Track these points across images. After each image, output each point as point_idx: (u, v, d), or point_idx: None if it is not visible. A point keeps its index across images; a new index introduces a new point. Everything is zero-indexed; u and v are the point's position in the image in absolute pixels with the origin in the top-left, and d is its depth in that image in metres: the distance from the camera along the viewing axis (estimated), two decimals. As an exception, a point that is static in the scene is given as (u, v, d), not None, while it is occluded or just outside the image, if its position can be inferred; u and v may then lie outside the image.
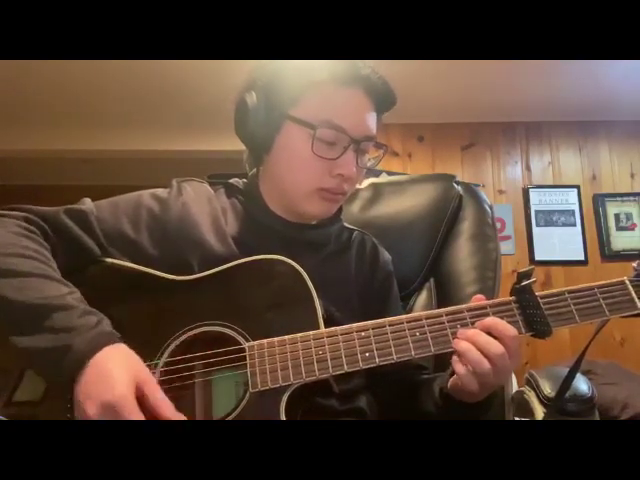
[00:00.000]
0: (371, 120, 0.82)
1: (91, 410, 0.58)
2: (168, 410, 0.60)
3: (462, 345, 0.67)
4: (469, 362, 0.66)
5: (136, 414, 0.58)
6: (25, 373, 0.68)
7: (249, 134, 0.82)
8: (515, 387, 2.20)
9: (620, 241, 3.19)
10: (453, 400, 0.73)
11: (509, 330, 0.67)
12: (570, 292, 0.71)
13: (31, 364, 0.66)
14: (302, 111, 0.79)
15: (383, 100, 0.84)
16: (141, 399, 0.60)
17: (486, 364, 0.65)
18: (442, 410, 0.76)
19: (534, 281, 0.70)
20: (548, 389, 1.90)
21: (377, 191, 1.16)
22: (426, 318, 0.69)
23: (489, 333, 0.67)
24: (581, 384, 1.88)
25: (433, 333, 0.68)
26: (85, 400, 0.59)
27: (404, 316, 0.70)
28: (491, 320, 0.68)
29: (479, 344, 0.66)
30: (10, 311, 0.65)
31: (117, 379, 0.59)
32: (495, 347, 0.65)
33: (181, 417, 0.60)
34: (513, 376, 2.37)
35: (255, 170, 0.91)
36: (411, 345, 0.68)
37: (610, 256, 3.14)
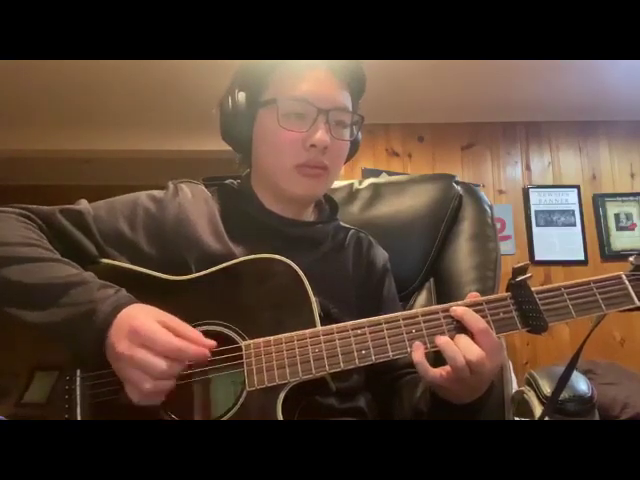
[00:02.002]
0: (337, 92, 0.82)
1: (121, 347, 0.61)
2: (196, 334, 0.64)
3: (441, 340, 0.67)
4: (446, 357, 0.66)
5: (161, 332, 0.61)
6: (34, 376, 0.69)
7: (231, 135, 0.86)
8: (515, 387, 2.20)
9: (620, 241, 3.19)
10: (438, 399, 0.73)
11: (478, 322, 0.66)
12: (566, 287, 0.70)
13: (52, 337, 0.67)
14: (268, 94, 0.82)
15: (349, 75, 0.84)
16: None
17: (462, 359, 0.64)
18: (431, 409, 0.76)
19: (530, 276, 0.70)
20: (548, 389, 1.90)
21: (377, 191, 1.16)
22: (422, 315, 0.69)
23: (463, 327, 0.67)
24: (581, 384, 1.88)
25: (429, 330, 0.68)
26: (115, 343, 0.62)
27: (400, 313, 0.70)
28: (462, 310, 0.68)
29: (459, 344, 0.66)
30: (26, 293, 0.66)
31: (137, 316, 0.63)
32: (474, 350, 0.65)
33: (211, 343, 0.64)
34: (513, 376, 2.38)
35: (248, 170, 0.92)
36: (407, 342, 0.68)
37: (610, 256, 3.15)
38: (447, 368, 0.66)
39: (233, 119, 0.83)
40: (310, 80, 0.81)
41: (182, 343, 0.62)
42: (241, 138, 0.85)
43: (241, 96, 0.83)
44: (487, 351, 0.65)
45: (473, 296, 0.71)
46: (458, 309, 0.68)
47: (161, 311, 0.66)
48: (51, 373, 0.69)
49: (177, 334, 0.63)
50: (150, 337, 0.61)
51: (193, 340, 0.63)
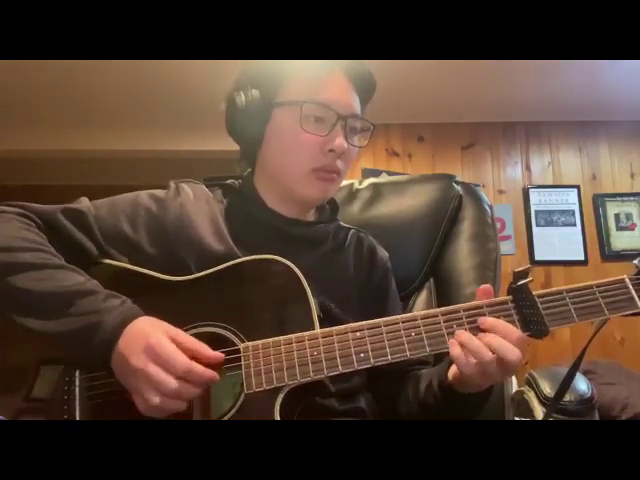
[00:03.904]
0: (353, 99, 0.84)
1: (138, 362, 0.62)
2: (203, 348, 0.64)
3: (464, 336, 0.66)
4: (470, 352, 0.65)
5: (175, 350, 0.62)
6: (40, 371, 0.69)
7: (240, 131, 0.85)
8: (515, 387, 2.20)
9: (620, 241, 3.18)
10: (454, 392, 0.72)
11: (512, 333, 0.66)
12: (568, 291, 0.70)
13: (59, 348, 0.67)
14: (287, 95, 0.82)
15: (363, 83, 0.85)
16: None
17: (487, 353, 0.64)
18: (440, 402, 0.75)
19: (531, 280, 0.69)
20: (548, 389, 1.90)
21: (377, 191, 1.16)
22: (422, 318, 0.69)
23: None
24: (581, 384, 1.88)
25: (429, 333, 0.68)
26: (129, 359, 0.63)
27: (399, 316, 0.70)
28: (492, 321, 0.67)
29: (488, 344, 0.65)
30: (33, 302, 0.66)
31: (150, 332, 0.64)
32: (502, 343, 0.65)
33: (219, 355, 0.65)
34: (513, 376, 2.37)
35: (250, 170, 0.92)
36: (406, 345, 0.68)
37: (610, 256, 3.14)
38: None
39: (244, 115, 0.82)
40: (331, 86, 0.81)
41: (191, 364, 0.62)
42: (251, 135, 0.84)
43: (255, 93, 0.82)
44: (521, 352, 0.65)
45: (484, 289, 0.70)
46: (488, 320, 0.67)
47: (168, 325, 0.66)
48: (55, 368, 0.69)
49: (186, 349, 0.64)
50: (161, 355, 0.62)
51: (201, 353, 0.64)
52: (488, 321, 0.67)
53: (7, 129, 3.14)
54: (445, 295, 1.06)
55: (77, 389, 0.68)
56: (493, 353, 0.64)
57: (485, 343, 0.65)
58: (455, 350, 0.66)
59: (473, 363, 0.65)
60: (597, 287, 0.70)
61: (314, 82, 0.81)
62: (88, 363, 0.67)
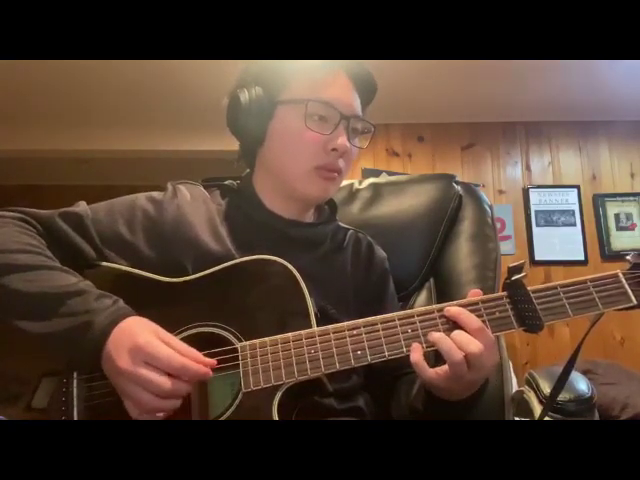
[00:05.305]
0: (355, 100, 0.84)
1: (124, 363, 0.61)
2: (195, 353, 0.64)
3: (435, 335, 0.67)
4: (442, 352, 0.66)
5: (164, 349, 0.62)
6: (41, 382, 0.69)
7: (242, 128, 0.84)
8: (515, 387, 2.20)
9: (620, 241, 3.18)
10: (432, 397, 0.73)
11: (473, 322, 0.66)
12: (562, 286, 0.70)
13: (49, 348, 0.67)
14: (291, 93, 0.82)
15: (364, 84, 0.86)
16: None
17: (459, 354, 0.64)
18: (426, 407, 0.76)
19: (525, 275, 0.70)
20: (548, 389, 1.90)
21: (377, 191, 1.16)
22: (418, 315, 0.69)
23: (458, 326, 0.67)
24: (581, 384, 1.88)
25: (425, 330, 0.68)
26: (116, 359, 0.62)
27: (396, 313, 0.70)
28: (457, 310, 0.68)
29: (457, 339, 0.66)
30: (24, 302, 0.66)
31: (138, 332, 0.63)
32: (474, 343, 0.65)
33: (212, 362, 0.64)
34: (513, 376, 2.37)
35: (249, 171, 0.92)
36: (403, 342, 0.68)
37: (610, 256, 3.14)
38: (444, 367, 0.66)
39: (247, 112, 0.82)
40: (334, 86, 0.82)
41: (185, 360, 0.62)
42: (254, 133, 0.84)
43: (258, 90, 0.82)
44: (485, 348, 0.66)
45: (474, 292, 0.71)
46: (452, 309, 0.68)
47: (159, 327, 0.66)
48: (56, 379, 0.69)
49: (179, 352, 0.63)
50: (153, 355, 0.61)
51: (193, 358, 0.64)
52: (452, 310, 0.68)
53: (7, 129, 3.14)
54: (445, 295, 1.06)
55: (75, 390, 0.67)
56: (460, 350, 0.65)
57: (456, 342, 0.65)
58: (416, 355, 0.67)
59: (444, 369, 0.66)
60: (591, 282, 0.71)
61: (317, 81, 0.81)
62: (80, 364, 0.67)
